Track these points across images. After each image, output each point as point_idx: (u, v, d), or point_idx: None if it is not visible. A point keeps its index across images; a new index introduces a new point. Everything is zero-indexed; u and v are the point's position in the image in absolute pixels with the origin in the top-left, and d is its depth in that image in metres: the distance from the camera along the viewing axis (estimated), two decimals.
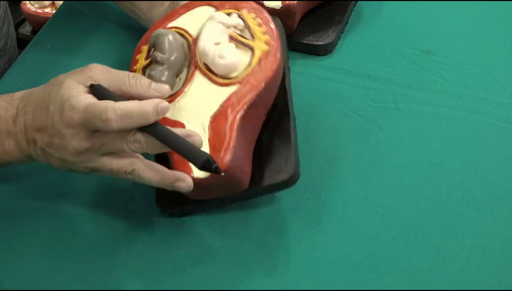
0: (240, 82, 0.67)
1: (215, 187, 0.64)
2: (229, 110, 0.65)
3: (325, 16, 0.88)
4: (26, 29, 1.68)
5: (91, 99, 0.60)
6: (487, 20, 0.88)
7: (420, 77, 0.81)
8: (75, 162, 0.62)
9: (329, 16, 0.88)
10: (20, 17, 1.67)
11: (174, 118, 0.67)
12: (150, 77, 0.67)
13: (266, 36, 0.69)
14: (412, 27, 0.88)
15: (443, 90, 0.79)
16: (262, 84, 0.66)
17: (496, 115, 0.75)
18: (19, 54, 0.93)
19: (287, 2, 0.82)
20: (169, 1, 0.81)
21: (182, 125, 0.66)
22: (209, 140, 0.64)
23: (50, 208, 0.71)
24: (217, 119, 0.65)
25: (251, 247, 0.66)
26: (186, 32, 0.72)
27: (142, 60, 0.72)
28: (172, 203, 0.68)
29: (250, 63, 0.68)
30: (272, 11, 0.80)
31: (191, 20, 0.73)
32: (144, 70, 0.71)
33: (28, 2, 1.63)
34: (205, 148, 0.64)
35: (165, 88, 0.65)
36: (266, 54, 0.68)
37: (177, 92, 0.69)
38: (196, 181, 0.63)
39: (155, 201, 0.69)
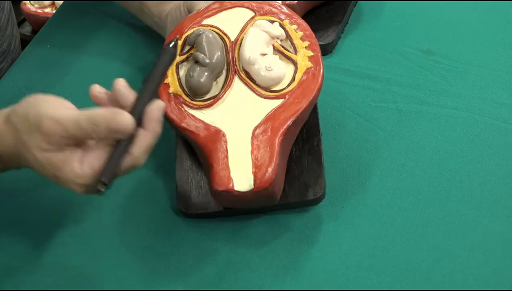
0: (284, 97, 0.66)
1: (251, 200, 0.63)
2: (272, 127, 0.64)
3: (325, 16, 0.88)
4: (26, 29, 1.68)
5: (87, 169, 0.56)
6: (487, 20, 0.88)
7: (420, 77, 0.81)
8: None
9: (329, 16, 0.88)
10: (20, 17, 1.67)
11: (214, 125, 0.65)
12: (189, 77, 0.67)
13: (309, 52, 0.68)
14: (412, 27, 0.88)
15: (443, 90, 0.79)
16: (306, 103, 0.66)
17: (496, 115, 0.75)
18: None
19: (287, 2, 0.82)
20: (182, 1, 0.79)
21: (222, 134, 0.65)
22: (251, 153, 0.63)
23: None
24: (260, 134, 0.64)
25: (250, 247, 0.66)
26: (224, 33, 0.70)
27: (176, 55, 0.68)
28: (195, 206, 0.68)
29: (294, 79, 0.67)
30: None
31: (228, 21, 0.70)
32: (178, 66, 0.69)
33: (28, 2, 1.63)
34: (248, 161, 0.63)
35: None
36: (309, 71, 0.67)
37: (216, 96, 0.67)
38: (237, 194, 0.62)
39: (177, 202, 0.69)
